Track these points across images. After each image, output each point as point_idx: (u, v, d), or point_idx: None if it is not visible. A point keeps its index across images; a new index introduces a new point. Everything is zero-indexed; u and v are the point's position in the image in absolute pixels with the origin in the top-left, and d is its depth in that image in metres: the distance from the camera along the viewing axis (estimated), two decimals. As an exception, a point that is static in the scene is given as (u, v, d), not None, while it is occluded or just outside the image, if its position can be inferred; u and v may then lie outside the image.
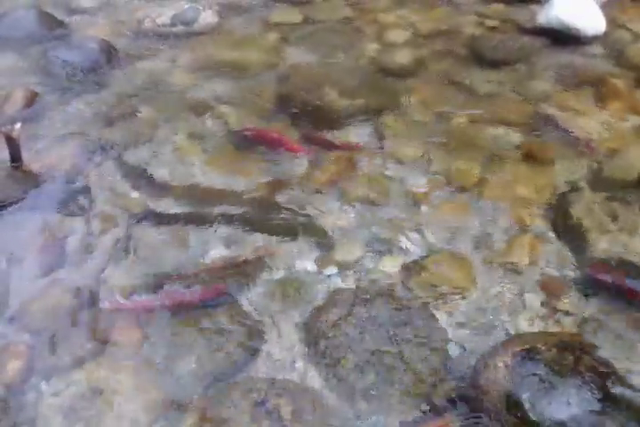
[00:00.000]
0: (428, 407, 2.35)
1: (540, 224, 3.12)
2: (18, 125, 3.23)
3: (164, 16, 4.82)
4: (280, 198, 3.30)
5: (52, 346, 2.54)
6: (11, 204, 3.15)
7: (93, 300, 2.73)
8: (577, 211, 3.11)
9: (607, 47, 4.48)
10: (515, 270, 2.89)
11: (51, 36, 4.61)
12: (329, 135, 3.69)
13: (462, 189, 3.33)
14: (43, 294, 2.74)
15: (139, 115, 3.89)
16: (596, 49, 4.48)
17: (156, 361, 2.50)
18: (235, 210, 3.22)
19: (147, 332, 2.61)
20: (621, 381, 2.22)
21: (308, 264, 2.92)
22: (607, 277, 2.76)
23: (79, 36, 4.65)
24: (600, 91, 4.05)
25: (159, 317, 2.66)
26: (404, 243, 3.04)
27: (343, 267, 2.91)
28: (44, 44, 4.48)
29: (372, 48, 4.60)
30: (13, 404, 2.34)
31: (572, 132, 3.67)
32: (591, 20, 4.49)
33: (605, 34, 4.52)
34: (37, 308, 2.68)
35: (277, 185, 3.38)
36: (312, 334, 2.57)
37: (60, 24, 4.80)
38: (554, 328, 2.60)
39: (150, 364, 2.49)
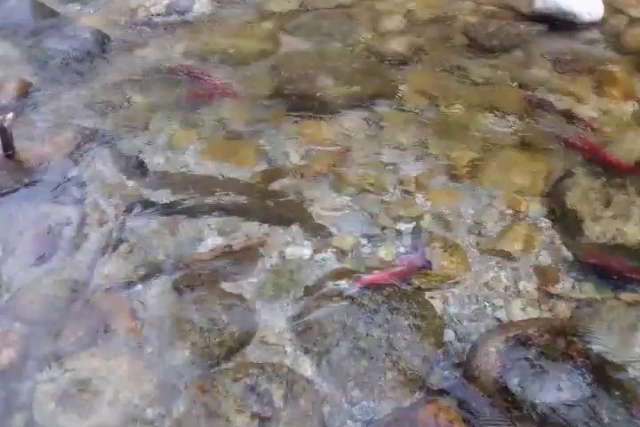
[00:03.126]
0: (421, 393, 2.35)
1: (534, 211, 3.11)
2: (10, 115, 3.21)
3: (158, 5, 4.78)
4: (275, 186, 3.29)
5: (46, 335, 2.54)
6: (3, 193, 3.15)
7: (87, 289, 2.74)
8: (572, 197, 3.10)
9: (605, 33, 4.44)
10: (509, 257, 2.88)
11: (44, 26, 4.57)
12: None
13: (457, 176, 3.31)
14: (36, 283, 2.75)
15: (133, 104, 3.88)
16: (594, 35, 4.43)
17: (149, 348, 2.51)
18: (229, 198, 3.22)
19: (140, 320, 2.62)
20: (613, 365, 2.22)
21: (301, 252, 2.92)
22: (603, 261, 2.77)
23: (73, 25, 4.61)
24: (598, 77, 4.02)
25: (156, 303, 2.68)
26: (399, 230, 3.03)
27: (337, 254, 2.90)
28: (37, 34, 4.45)
29: (367, 35, 4.56)
30: (8, 391, 2.36)
31: (572, 114, 3.65)
32: (589, 6, 4.44)
33: (603, 19, 4.48)
34: (31, 297, 2.69)
35: (272, 173, 3.37)
36: (305, 321, 2.57)
37: (54, 14, 4.77)
38: (547, 314, 2.60)
39: (144, 351, 2.50)
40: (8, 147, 3.27)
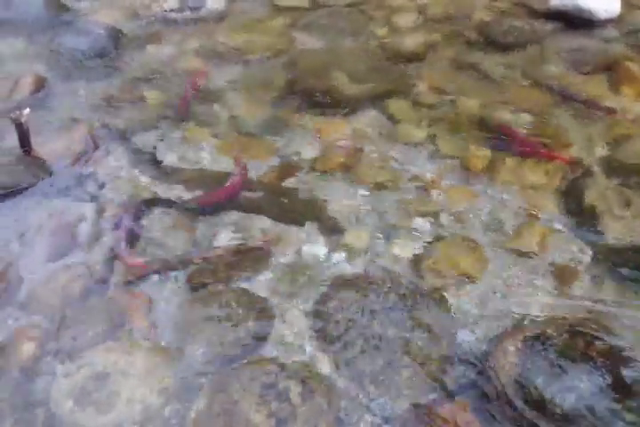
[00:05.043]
0: (438, 391, 2.34)
1: (551, 209, 3.09)
2: (26, 111, 3.22)
3: (171, 1, 4.78)
4: (289, 183, 3.28)
5: (64, 329, 2.56)
6: (21, 189, 3.16)
7: (103, 284, 2.75)
8: (589, 196, 3.08)
9: (621, 30, 4.39)
10: (526, 256, 2.86)
11: (58, 22, 4.59)
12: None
13: (472, 174, 3.30)
14: (54, 278, 2.76)
15: (147, 100, 3.88)
16: (610, 32, 4.39)
17: (167, 344, 2.52)
18: (243, 195, 3.21)
19: (157, 315, 2.63)
20: (633, 365, 2.20)
21: (316, 249, 2.91)
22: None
23: (86, 21, 4.63)
24: (614, 75, 3.98)
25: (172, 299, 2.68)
26: (414, 228, 3.02)
27: (352, 252, 2.90)
28: (51, 30, 4.47)
29: (380, 32, 4.55)
30: (27, 386, 2.37)
31: (590, 100, 3.68)
32: (605, 2, 4.40)
33: (620, 16, 4.43)
34: (49, 292, 2.70)
35: (286, 170, 3.37)
36: (321, 319, 2.57)
37: (68, 9, 4.79)
38: (565, 313, 2.58)
39: (162, 347, 2.51)
40: (25, 142, 3.28)
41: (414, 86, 3.95)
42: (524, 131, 3.55)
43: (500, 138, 3.48)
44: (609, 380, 2.15)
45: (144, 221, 3.05)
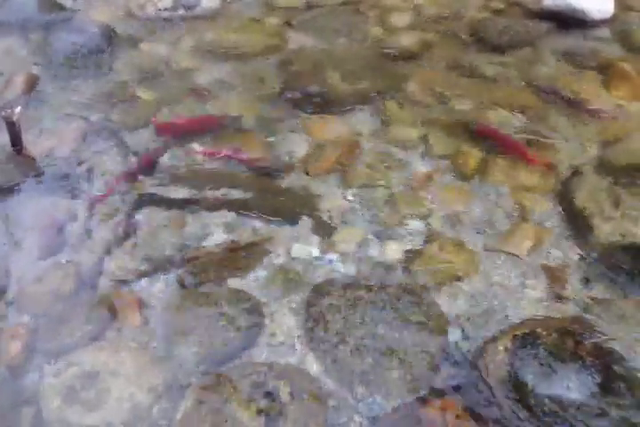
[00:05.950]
0: (428, 391, 2.34)
1: (542, 210, 3.09)
2: (18, 109, 3.21)
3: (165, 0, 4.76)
4: (282, 182, 3.28)
5: (53, 328, 2.55)
6: (12, 187, 3.15)
7: (94, 282, 2.74)
8: (580, 196, 3.08)
9: (615, 30, 4.39)
10: (517, 256, 2.86)
11: (52, 20, 4.57)
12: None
13: (465, 174, 3.30)
14: (44, 276, 2.76)
15: (140, 98, 3.87)
16: (604, 32, 4.39)
17: (156, 343, 2.51)
18: (235, 194, 3.21)
19: (147, 315, 2.62)
20: (623, 364, 2.21)
21: (308, 249, 2.91)
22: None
23: (80, 19, 4.61)
24: (607, 75, 3.98)
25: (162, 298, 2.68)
26: (406, 228, 3.02)
27: (344, 252, 2.90)
28: (45, 28, 4.46)
29: (375, 32, 4.54)
30: (15, 385, 2.36)
31: (577, 101, 3.68)
32: (599, 2, 4.40)
33: (613, 16, 4.43)
34: (38, 290, 2.70)
35: (279, 168, 3.36)
36: (311, 318, 2.57)
37: (61, 8, 4.76)
38: (555, 314, 2.59)
39: (151, 346, 2.50)
40: (16, 141, 3.28)
41: (408, 86, 3.94)
42: (514, 131, 3.56)
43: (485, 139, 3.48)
44: (598, 379, 2.15)
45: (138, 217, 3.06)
